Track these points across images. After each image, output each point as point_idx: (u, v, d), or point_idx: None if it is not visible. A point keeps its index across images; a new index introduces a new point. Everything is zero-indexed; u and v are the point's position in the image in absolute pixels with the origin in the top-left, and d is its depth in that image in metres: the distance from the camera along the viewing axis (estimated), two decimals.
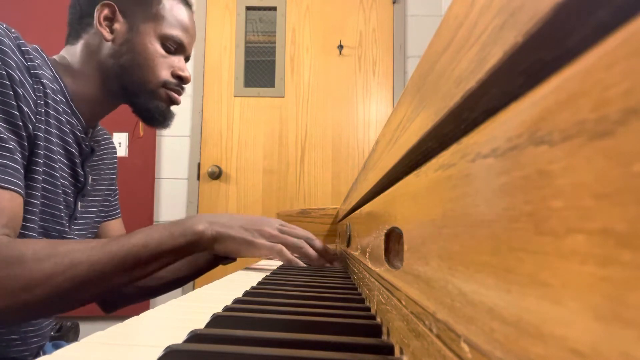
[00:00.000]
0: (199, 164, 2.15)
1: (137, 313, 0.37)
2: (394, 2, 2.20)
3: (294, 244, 0.71)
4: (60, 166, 0.67)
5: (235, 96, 2.19)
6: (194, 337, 0.28)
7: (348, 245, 0.76)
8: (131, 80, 0.74)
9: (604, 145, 0.09)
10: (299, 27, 2.22)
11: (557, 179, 0.10)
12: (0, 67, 0.55)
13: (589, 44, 0.10)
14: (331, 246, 1.12)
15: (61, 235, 0.68)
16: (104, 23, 0.72)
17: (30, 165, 0.60)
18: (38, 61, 0.62)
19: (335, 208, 1.28)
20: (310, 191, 2.14)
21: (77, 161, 0.72)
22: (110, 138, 0.89)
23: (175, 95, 0.78)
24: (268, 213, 2.12)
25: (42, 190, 0.63)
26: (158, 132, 2.11)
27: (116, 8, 0.73)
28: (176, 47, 0.77)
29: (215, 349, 0.25)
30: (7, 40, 0.57)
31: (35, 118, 0.60)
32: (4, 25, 0.58)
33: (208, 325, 0.31)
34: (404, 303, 0.26)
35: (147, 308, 0.47)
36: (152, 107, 0.76)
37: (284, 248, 0.69)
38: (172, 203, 2.14)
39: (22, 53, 0.59)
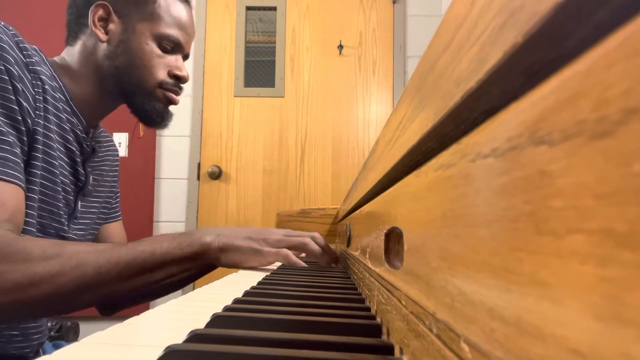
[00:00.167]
0: (199, 164, 2.15)
1: (137, 313, 0.37)
2: (394, 2, 2.20)
3: (300, 241, 0.71)
4: (60, 163, 0.67)
5: (235, 96, 2.19)
6: (194, 337, 0.28)
7: (348, 245, 0.76)
8: (127, 81, 0.73)
9: (604, 145, 0.09)
10: (299, 27, 2.22)
11: (557, 179, 0.10)
12: None
13: (589, 44, 0.10)
14: (331, 246, 1.12)
15: (59, 234, 0.68)
16: (98, 24, 0.72)
17: (29, 160, 0.60)
18: (36, 58, 0.62)
19: (335, 208, 1.28)
20: (310, 191, 2.14)
21: (78, 160, 0.72)
22: (112, 140, 0.89)
23: (173, 96, 0.78)
24: (268, 213, 2.12)
25: (41, 187, 0.63)
26: (158, 132, 2.11)
27: (111, 8, 0.72)
28: (173, 46, 0.76)
29: (215, 349, 0.25)
30: (5, 37, 0.57)
31: (34, 113, 0.60)
32: (2, 23, 0.59)
33: (208, 325, 0.31)
34: (404, 303, 0.26)
35: (147, 308, 0.47)
36: (149, 107, 0.76)
37: (289, 253, 0.69)
38: (172, 203, 2.14)
39: (21, 50, 0.59)
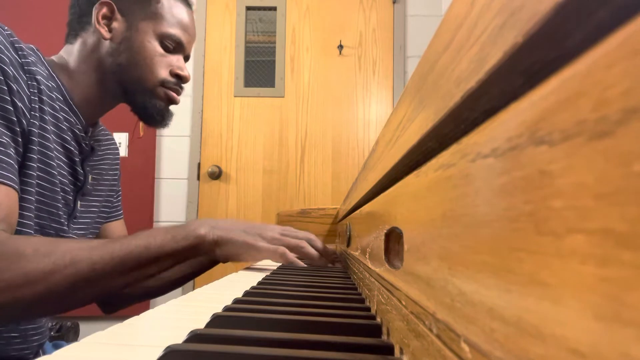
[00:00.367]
0: (199, 164, 2.15)
1: (137, 313, 0.37)
2: (394, 2, 2.20)
3: (296, 244, 0.71)
4: (58, 163, 0.67)
5: (235, 96, 2.19)
6: (194, 337, 0.28)
7: (348, 245, 0.76)
8: (129, 79, 0.74)
9: (604, 145, 0.09)
10: (299, 27, 2.22)
11: (557, 179, 0.10)
12: None
13: (589, 44, 0.10)
14: (331, 246, 1.12)
15: (58, 234, 0.68)
16: (102, 21, 0.72)
17: (25, 161, 0.60)
18: (32, 58, 0.62)
19: (335, 208, 1.28)
20: (310, 191, 2.14)
21: (77, 159, 0.72)
22: (113, 138, 0.89)
23: (174, 95, 0.78)
24: (268, 213, 2.12)
25: (38, 187, 0.63)
26: (158, 132, 2.11)
27: (115, 7, 0.73)
28: (175, 46, 0.77)
29: (215, 349, 0.25)
30: (0, 37, 0.57)
31: (30, 114, 0.60)
32: None
33: (208, 325, 0.31)
34: (404, 303, 0.26)
35: (147, 308, 0.47)
36: (150, 106, 0.76)
37: (286, 250, 0.69)
38: (172, 203, 2.14)
39: (16, 50, 0.59)
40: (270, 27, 2.24)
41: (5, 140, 0.55)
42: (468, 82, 0.16)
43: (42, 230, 0.65)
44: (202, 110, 2.17)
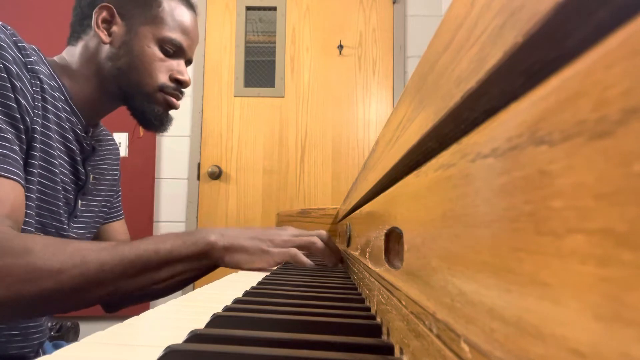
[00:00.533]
0: (199, 164, 2.15)
1: (137, 313, 0.37)
2: (394, 2, 2.20)
3: (307, 241, 0.70)
4: (60, 162, 0.67)
5: (235, 96, 2.19)
6: (194, 337, 0.28)
7: (348, 245, 0.76)
8: (128, 83, 0.73)
9: (604, 145, 0.09)
10: (299, 27, 2.22)
11: (557, 179, 0.10)
12: None
13: (589, 44, 0.10)
14: None
15: (59, 233, 0.68)
16: (102, 25, 0.72)
17: (27, 159, 0.60)
18: (34, 58, 0.63)
19: (335, 208, 1.28)
20: (310, 191, 2.14)
21: (78, 159, 0.72)
22: (113, 139, 0.89)
23: (173, 100, 0.77)
24: (268, 213, 2.12)
25: (39, 185, 0.63)
26: None
27: (115, 11, 0.72)
28: (175, 50, 0.76)
29: (215, 349, 0.25)
30: (3, 36, 0.57)
31: (33, 112, 0.60)
32: (0, 23, 0.59)
33: (208, 325, 0.31)
34: (404, 303, 0.26)
35: (147, 308, 0.47)
36: (149, 110, 0.76)
37: (298, 252, 0.68)
38: (172, 203, 2.14)
39: (19, 49, 0.59)
40: (270, 27, 2.24)
41: (10, 136, 0.56)
42: (468, 82, 0.16)
43: (43, 229, 0.65)
44: (202, 110, 2.17)
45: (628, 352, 0.08)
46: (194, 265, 0.62)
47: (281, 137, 2.17)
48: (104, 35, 0.72)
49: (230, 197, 2.14)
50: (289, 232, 0.71)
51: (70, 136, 0.70)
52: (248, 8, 2.23)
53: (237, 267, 0.67)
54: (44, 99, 0.63)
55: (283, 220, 1.31)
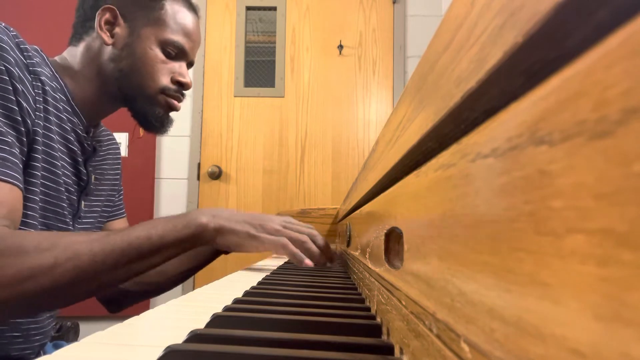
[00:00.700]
0: (199, 164, 2.15)
1: (137, 313, 0.37)
2: (394, 2, 2.20)
3: (297, 239, 0.70)
4: (62, 164, 0.67)
5: (235, 96, 2.19)
6: (194, 337, 0.28)
7: (348, 245, 0.76)
8: (129, 85, 0.74)
9: (604, 145, 0.09)
10: (299, 27, 2.22)
11: (557, 179, 0.10)
12: None
13: (589, 44, 0.10)
14: (331, 246, 1.12)
15: None
16: (104, 27, 0.73)
17: (29, 161, 0.60)
18: (37, 59, 0.63)
19: (335, 208, 1.28)
20: (310, 191, 2.14)
21: (80, 160, 0.72)
22: (114, 138, 0.89)
23: (174, 102, 0.78)
24: (268, 213, 2.11)
25: (42, 187, 0.63)
26: None
27: (118, 12, 0.73)
28: (177, 52, 0.76)
29: (215, 349, 0.25)
30: (5, 38, 0.57)
31: (34, 114, 0.60)
32: (2, 24, 0.59)
33: (208, 325, 0.31)
34: (404, 303, 0.26)
35: (147, 308, 0.47)
36: (149, 112, 0.76)
37: (288, 242, 0.68)
38: (172, 203, 2.14)
39: (21, 51, 0.60)
40: (270, 27, 2.24)
41: (10, 139, 0.56)
42: (468, 82, 0.16)
43: (48, 231, 0.66)
44: (202, 110, 2.17)
45: (628, 352, 0.08)
46: (187, 247, 0.62)
47: (281, 137, 2.17)
48: (106, 37, 0.72)
49: (230, 197, 2.14)
50: (281, 220, 0.71)
51: (71, 137, 0.70)
52: (248, 8, 2.23)
53: (229, 250, 0.67)
54: (45, 101, 0.63)
55: None
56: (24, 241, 0.50)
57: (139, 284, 0.82)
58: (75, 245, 0.53)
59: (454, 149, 0.19)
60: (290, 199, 2.13)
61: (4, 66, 0.56)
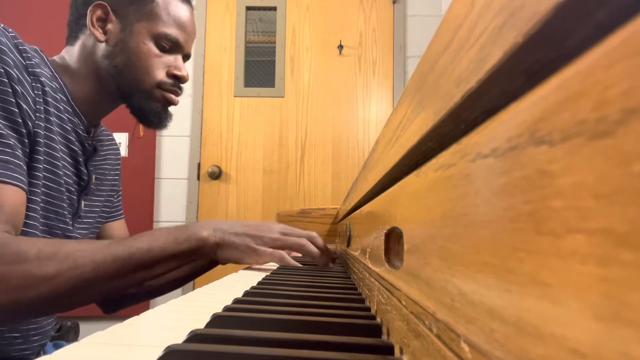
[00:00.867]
0: (199, 164, 2.15)
1: (137, 313, 0.37)
2: (394, 2, 2.20)
3: (296, 242, 0.71)
4: (63, 164, 0.67)
5: (235, 96, 2.19)
6: (194, 337, 0.28)
7: (348, 245, 0.76)
8: (125, 81, 0.73)
9: (604, 145, 0.09)
10: (299, 27, 2.22)
11: (557, 179, 0.10)
12: None
13: (589, 44, 0.10)
14: (331, 246, 1.12)
15: (65, 234, 0.69)
16: (96, 24, 0.72)
17: (31, 163, 0.60)
18: (36, 60, 0.62)
19: (335, 208, 1.28)
20: (310, 191, 2.14)
21: (80, 160, 0.72)
22: (114, 139, 0.89)
23: (172, 96, 0.77)
24: (268, 213, 2.12)
25: (44, 188, 0.63)
26: (158, 132, 2.11)
27: (109, 8, 0.72)
28: (172, 46, 0.75)
29: (215, 349, 0.25)
30: (4, 39, 0.57)
31: (35, 115, 0.60)
32: (1, 25, 0.59)
33: (208, 325, 0.31)
34: (404, 303, 0.26)
35: (147, 308, 0.47)
36: (147, 108, 0.75)
37: (285, 255, 0.69)
38: (172, 203, 2.14)
39: (20, 52, 0.59)
40: (270, 27, 2.24)
41: (12, 141, 0.56)
42: (468, 82, 0.16)
43: (49, 231, 0.66)
44: (202, 110, 2.17)
45: (628, 352, 0.08)
46: (188, 260, 0.62)
47: (281, 137, 2.17)
48: (99, 34, 0.72)
49: (230, 197, 2.14)
50: (279, 229, 0.72)
51: (72, 137, 0.70)
52: (248, 8, 2.23)
53: (229, 262, 0.68)
54: (45, 102, 0.63)
55: (283, 220, 1.31)
56: (25, 249, 0.50)
57: (135, 287, 0.82)
58: (77, 254, 0.53)
59: (454, 149, 0.19)
60: (290, 199, 2.13)
61: (3, 68, 0.55)
